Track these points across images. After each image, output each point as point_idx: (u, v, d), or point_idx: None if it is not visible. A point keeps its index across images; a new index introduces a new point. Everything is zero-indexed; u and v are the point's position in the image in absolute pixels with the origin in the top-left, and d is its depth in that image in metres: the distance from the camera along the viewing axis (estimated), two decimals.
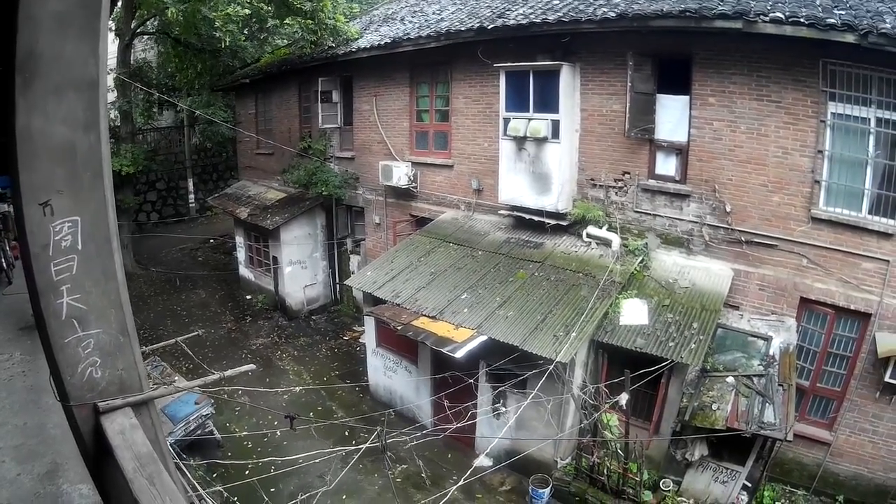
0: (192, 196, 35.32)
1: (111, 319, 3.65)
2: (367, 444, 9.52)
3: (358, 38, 19.86)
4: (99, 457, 3.66)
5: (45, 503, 4.00)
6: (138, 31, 25.28)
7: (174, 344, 9.74)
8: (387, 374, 16.05)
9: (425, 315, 13.15)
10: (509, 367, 11.57)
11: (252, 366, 6.50)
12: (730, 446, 11.79)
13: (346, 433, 14.00)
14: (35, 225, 3.21)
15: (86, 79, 3.20)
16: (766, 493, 12.66)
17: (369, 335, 16.40)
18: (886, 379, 11.50)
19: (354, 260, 22.15)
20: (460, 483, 8.01)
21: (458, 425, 9.84)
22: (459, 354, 11.65)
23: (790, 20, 10.62)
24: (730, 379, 11.79)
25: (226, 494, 11.34)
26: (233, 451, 13.26)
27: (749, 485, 12.17)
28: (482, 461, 13.74)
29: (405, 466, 13.76)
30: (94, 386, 3.65)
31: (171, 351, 17.19)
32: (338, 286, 23.21)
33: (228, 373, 5.87)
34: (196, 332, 12.14)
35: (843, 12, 10.72)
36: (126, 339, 3.76)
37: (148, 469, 3.17)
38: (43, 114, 3.08)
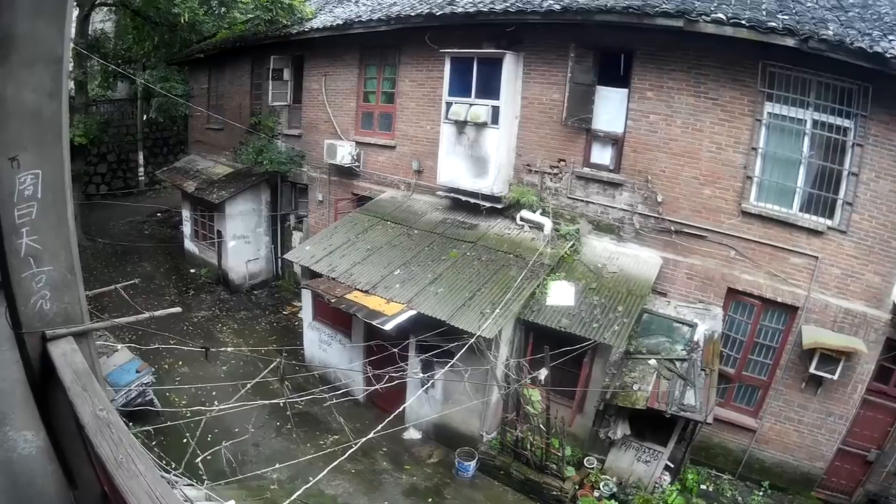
0: (141, 169, 34.81)
1: (61, 259, 4.07)
2: (264, 373, 9.78)
3: (313, 18, 19.86)
4: (44, 381, 4.02)
5: None
6: (98, 1, 25.02)
7: (115, 314, 9.87)
8: (322, 346, 16.23)
9: (359, 289, 13.34)
10: (438, 341, 11.80)
11: (178, 309, 6.78)
12: (652, 427, 12.20)
13: (282, 404, 14.21)
14: (3, 176, 3.63)
15: (53, 54, 3.66)
16: (689, 475, 13.00)
17: (306, 309, 16.56)
18: (811, 370, 11.95)
19: (297, 236, 22.16)
20: (370, 435, 8.15)
21: (381, 387, 10.03)
22: (389, 327, 11.89)
23: (731, 21, 10.99)
24: (652, 361, 12.15)
25: (165, 459, 11.51)
26: (171, 419, 13.40)
27: (672, 465, 12.57)
28: (411, 433, 14.08)
29: (336, 437, 13.95)
30: (44, 316, 4.05)
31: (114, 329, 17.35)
32: (280, 262, 23.23)
33: (157, 313, 6.20)
34: (134, 281, 12.34)
35: (786, 17, 11.11)
36: (73, 277, 4.17)
37: (83, 380, 3.58)
38: (16, 83, 3.53)
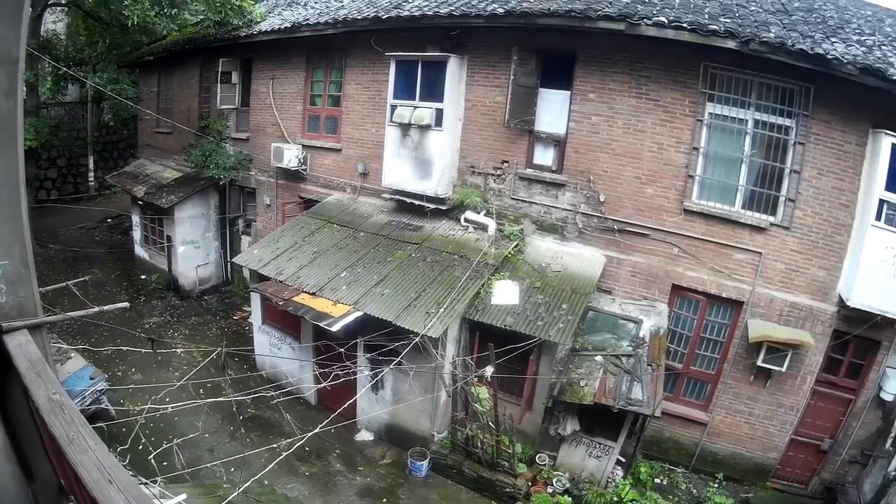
0: (91, 174, 34.25)
1: (16, 253, 4.17)
2: (205, 361, 9.80)
3: (262, 21, 19.82)
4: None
5: None
6: (50, 1, 24.72)
7: (68, 322, 9.93)
8: (272, 350, 16.24)
9: (306, 292, 13.42)
10: (385, 341, 11.82)
11: (126, 304, 6.91)
12: (602, 423, 12.36)
13: (234, 408, 14.21)
14: None
15: (9, 55, 3.76)
16: (642, 469, 13.25)
17: (256, 312, 16.56)
18: (759, 363, 12.28)
19: (246, 240, 22.12)
20: (317, 430, 8.25)
21: (328, 384, 10.11)
22: (336, 328, 12.00)
23: (672, 24, 11.21)
24: (598, 358, 12.33)
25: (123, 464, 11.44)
26: (126, 426, 13.36)
27: (623, 460, 12.77)
28: (363, 435, 14.16)
29: (289, 440, 13.99)
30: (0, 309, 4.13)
31: (67, 330, 17.59)
32: (229, 266, 23.14)
33: (107, 307, 6.38)
34: (85, 279, 12.40)
35: (728, 20, 11.38)
36: (27, 272, 4.28)
37: (37, 367, 3.70)
38: None
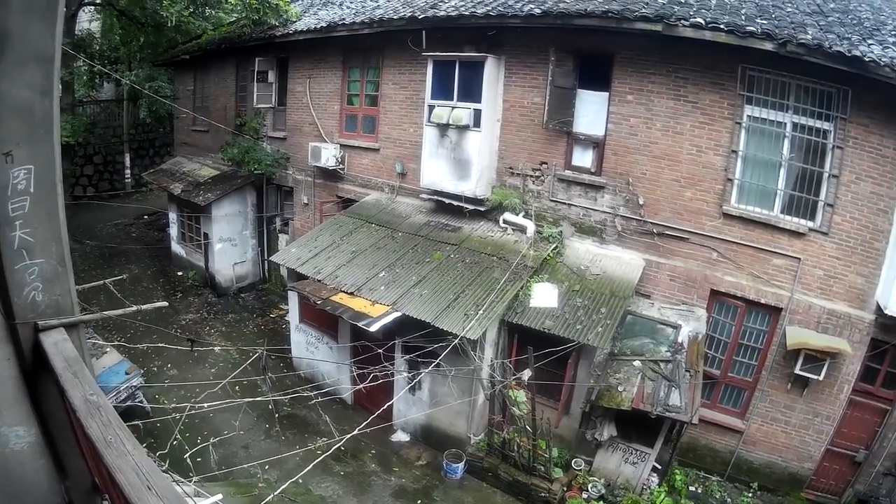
0: (128, 171, 34.67)
1: (53, 251, 4.19)
2: (247, 363, 9.81)
3: (297, 20, 19.87)
4: (35, 372, 4.14)
5: None
6: (84, 1, 24.90)
7: (106, 317, 9.93)
8: (309, 349, 16.28)
9: (344, 291, 13.42)
10: (423, 342, 11.82)
11: (165, 303, 6.93)
12: (639, 428, 12.21)
13: (270, 406, 14.26)
14: None
15: (45, 53, 3.79)
16: (677, 476, 13.02)
17: (293, 311, 16.60)
18: (797, 371, 12.02)
19: (283, 239, 22.20)
20: (355, 432, 8.26)
21: (366, 385, 10.12)
22: (374, 328, 12.00)
23: (710, 25, 11.03)
24: (637, 363, 12.18)
25: (155, 461, 11.53)
26: (161, 422, 13.45)
27: (659, 467, 12.58)
28: (399, 436, 14.15)
29: (325, 439, 13.96)
30: (36, 307, 4.17)
31: (104, 325, 17.48)
32: (266, 264, 23.24)
33: (145, 306, 6.33)
34: (122, 276, 12.47)
35: (765, 21, 11.19)
36: (63, 270, 4.30)
37: (73, 367, 3.69)
38: (10, 81, 3.66)
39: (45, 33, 3.70)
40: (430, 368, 10.37)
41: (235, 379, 14.61)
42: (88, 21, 32.25)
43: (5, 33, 3.50)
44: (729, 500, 13.14)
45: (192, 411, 9.02)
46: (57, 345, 3.97)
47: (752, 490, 13.25)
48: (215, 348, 18.04)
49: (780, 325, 12.51)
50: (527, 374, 11.59)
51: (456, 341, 10.81)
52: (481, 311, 11.96)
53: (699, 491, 13.25)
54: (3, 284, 4.01)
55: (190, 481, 8.40)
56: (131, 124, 35.16)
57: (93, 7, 27.91)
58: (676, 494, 12.76)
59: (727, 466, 13.56)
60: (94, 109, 34.00)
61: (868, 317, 11.81)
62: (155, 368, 16.47)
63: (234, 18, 23.62)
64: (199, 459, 10.24)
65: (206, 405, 9.68)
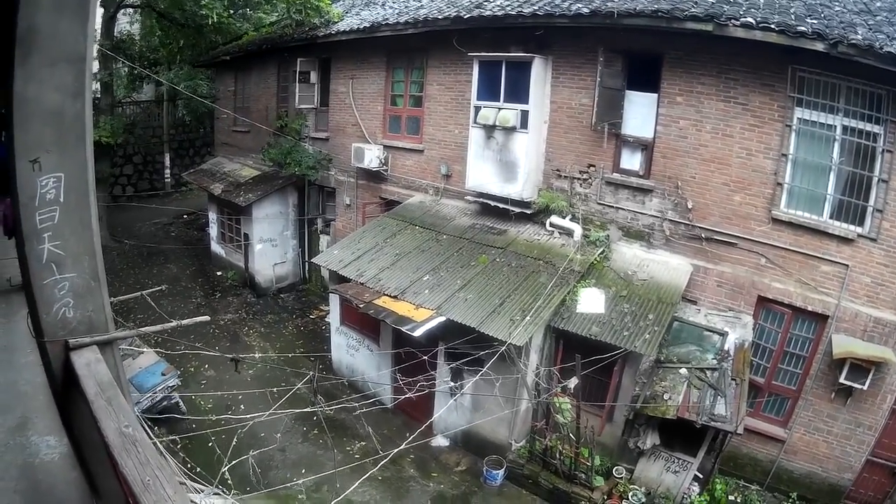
0: (167, 171, 35.06)
1: (85, 265, 4.03)
2: (298, 386, 9.70)
3: (339, 21, 19.85)
4: (66, 390, 3.99)
5: (14, 453, 4.17)
6: (123, 2, 25.10)
7: (141, 315, 9.87)
8: (349, 351, 16.25)
9: (387, 294, 13.31)
10: (468, 348, 11.71)
11: (206, 317, 6.79)
12: (682, 437, 12.00)
13: (311, 400, 14.22)
14: (25, 179, 3.60)
15: (76, 53, 3.60)
16: (717, 486, 12.78)
17: (334, 313, 16.57)
18: (841, 380, 11.72)
19: (324, 240, 22.20)
20: (403, 446, 8.12)
21: (410, 395, 10.01)
22: (418, 333, 11.84)
23: (760, 25, 10.78)
24: (683, 370, 11.98)
25: (189, 464, 11.55)
26: (197, 423, 13.44)
27: (700, 476, 12.41)
28: (439, 440, 14.01)
29: (363, 443, 13.99)
30: (67, 325, 4.01)
31: (141, 324, 17.29)
32: (307, 265, 23.27)
33: (185, 322, 6.20)
34: (161, 288, 12.40)
35: (815, 21, 10.91)
36: (97, 284, 4.14)
37: (107, 393, 3.52)
38: (38, 82, 3.48)
39: (76, 32, 3.54)
40: (476, 377, 10.19)
41: (274, 382, 14.64)
42: (129, 23, 32.58)
43: (34, 31, 3.34)
44: None
45: (228, 411, 9.02)
46: (89, 366, 3.82)
47: (791, 500, 13.03)
48: (254, 348, 18.07)
49: (825, 332, 12.26)
50: (573, 383, 11.42)
51: (503, 348, 10.63)
52: (528, 317, 11.79)
53: (738, 500, 13.05)
54: (32, 300, 3.85)
55: (229, 494, 8.28)
56: (171, 125, 35.55)
57: (132, 9, 28.10)
58: None
59: (767, 476, 13.33)
60: (133, 110, 34.39)
61: None
62: (192, 369, 16.54)
63: (276, 19, 23.67)
64: (234, 462, 10.24)
65: (249, 416, 9.63)
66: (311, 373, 10.20)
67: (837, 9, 12.09)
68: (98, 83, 24.78)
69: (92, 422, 3.44)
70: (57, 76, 3.52)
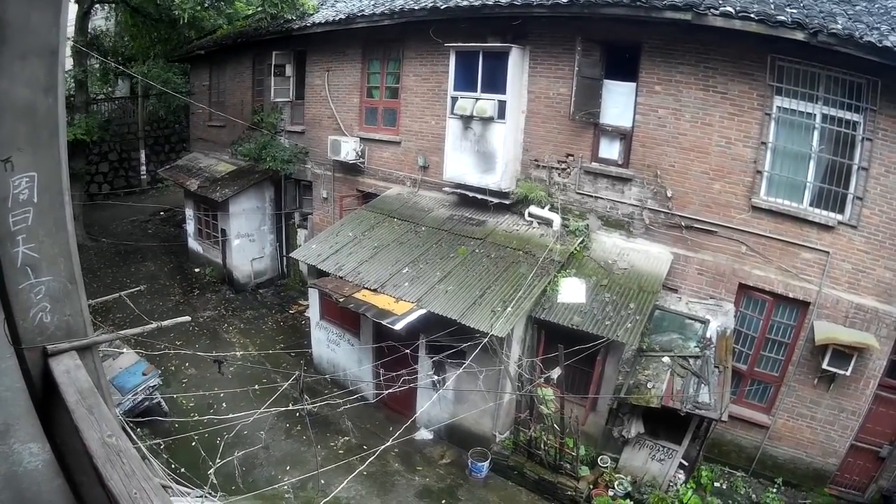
0: (143, 167, 34.67)
1: (61, 267, 3.84)
2: (286, 384, 9.63)
3: (315, 13, 19.63)
4: (46, 398, 3.83)
5: None
6: None
7: (120, 314, 9.74)
8: (330, 346, 16.13)
9: (367, 288, 13.22)
10: (449, 340, 11.69)
11: (187, 317, 6.65)
12: (666, 425, 12.12)
13: (291, 404, 14.13)
14: None
15: (48, 46, 3.39)
16: (703, 473, 12.94)
17: (313, 308, 16.44)
18: (824, 366, 11.84)
19: (302, 234, 22.07)
20: (388, 443, 8.05)
21: (393, 391, 9.95)
22: (399, 326, 11.77)
23: (740, 15, 10.82)
24: (665, 359, 12.06)
25: (173, 465, 11.44)
26: (180, 423, 13.33)
27: (686, 464, 12.53)
28: (422, 434, 13.96)
29: (347, 438, 13.94)
30: (44, 330, 3.83)
31: (119, 324, 17.32)
32: (285, 260, 23.13)
33: (165, 323, 6.04)
34: (139, 288, 12.29)
35: (795, 11, 10.94)
36: (73, 287, 3.95)
37: (88, 401, 3.37)
38: (9, 77, 3.27)
39: (48, 24, 3.33)
40: (459, 370, 10.14)
41: (256, 379, 14.53)
42: (104, 18, 32.24)
43: (4, 23, 3.13)
44: (754, 495, 13.04)
45: (210, 408, 8.93)
46: (69, 373, 3.65)
47: (776, 486, 13.13)
48: (234, 345, 17.94)
49: (807, 319, 12.38)
50: (556, 373, 11.39)
51: (485, 340, 10.58)
52: (509, 308, 11.76)
53: (724, 487, 13.18)
54: (7, 306, 3.66)
55: (215, 494, 8.18)
56: (147, 120, 35.10)
57: (107, 4, 27.79)
58: (702, 491, 12.69)
59: (752, 462, 13.48)
60: (108, 107, 34.00)
61: (895, 311, 11.66)
62: (172, 368, 16.40)
63: (251, 13, 23.48)
64: (218, 461, 10.17)
65: (231, 416, 9.54)
66: (298, 372, 10.08)
67: None
68: (73, 80, 24.53)
69: (74, 431, 3.29)
70: (28, 70, 3.33)
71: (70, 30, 22.90)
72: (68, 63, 24.61)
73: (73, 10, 22.76)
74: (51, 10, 3.33)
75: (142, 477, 2.80)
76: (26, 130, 3.44)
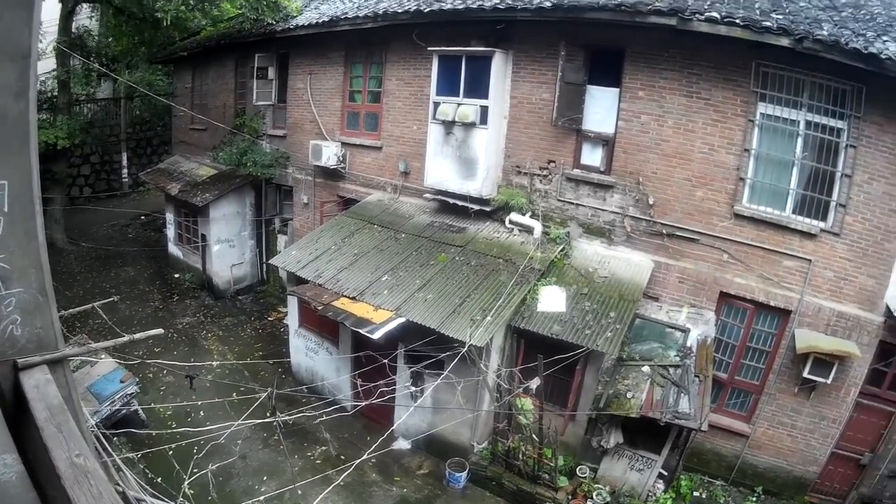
0: (125, 171, 34.38)
1: (32, 279, 3.71)
2: (263, 395, 9.49)
3: (298, 15, 19.52)
4: (17, 412, 3.69)
5: None
6: None
7: (98, 321, 9.63)
8: (309, 354, 15.97)
9: (346, 296, 13.06)
10: (427, 349, 11.59)
11: (160, 330, 6.51)
12: (645, 435, 12.02)
13: (268, 414, 13.97)
14: None
15: (19, 49, 3.24)
16: (683, 482, 12.93)
17: (292, 315, 16.29)
18: (805, 374, 11.85)
19: (282, 240, 21.86)
20: (365, 456, 7.91)
21: (371, 402, 9.82)
22: (377, 335, 11.62)
23: (725, 20, 10.79)
24: (645, 368, 11.97)
25: (150, 475, 11.25)
26: (157, 433, 13.18)
27: (665, 473, 12.48)
28: (400, 444, 13.83)
29: (324, 448, 13.84)
30: (15, 343, 3.71)
31: (98, 330, 17.00)
32: (265, 266, 22.95)
33: (137, 336, 6.03)
34: (113, 299, 12.14)
35: (780, 16, 10.93)
36: (45, 299, 3.82)
37: (58, 418, 3.25)
38: None
39: (19, 26, 3.16)
40: (437, 381, 10.02)
41: (234, 387, 14.36)
42: (89, 18, 32.02)
43: None
44: None
45: (188, 417, 8.80)
46: (39, 388, 3.50)
47: (756, 494, 13.18)
48: (213, 353, 17.78)
49: (788, 327, 12.36)
50: (535, 384, 11.32)
51: (464, 350, 10.47)
52: (488, 317, 11.65)
53: (704, 496, 13.17)
54: None
55: None
56: (129, 123, 34.79)
57: (89, 4, 27.60)
58: (682, 501, 12.73)
59: (732, 471, 13.47)
60: (91, 108, 33.76)
61: (877, 319, 11.70)
62: (150, 375, 16.21)
63: (234, 14, 23.35)
64: (195, 470, 9.97)
65: (207, 428, 9.40)
66: (270, 389, 9.94)
67: (802, 4, 12.13)
68: (55, 81, 24.34)
69: (42, 446, 3.18)
70: None
71: (53, 29, 22.87)
72: (51, 63, 24.45)
73: (56, 9, 22.65)
74: (23, 11, 3.17)
75: (109, 500, 2.72)
76: None
